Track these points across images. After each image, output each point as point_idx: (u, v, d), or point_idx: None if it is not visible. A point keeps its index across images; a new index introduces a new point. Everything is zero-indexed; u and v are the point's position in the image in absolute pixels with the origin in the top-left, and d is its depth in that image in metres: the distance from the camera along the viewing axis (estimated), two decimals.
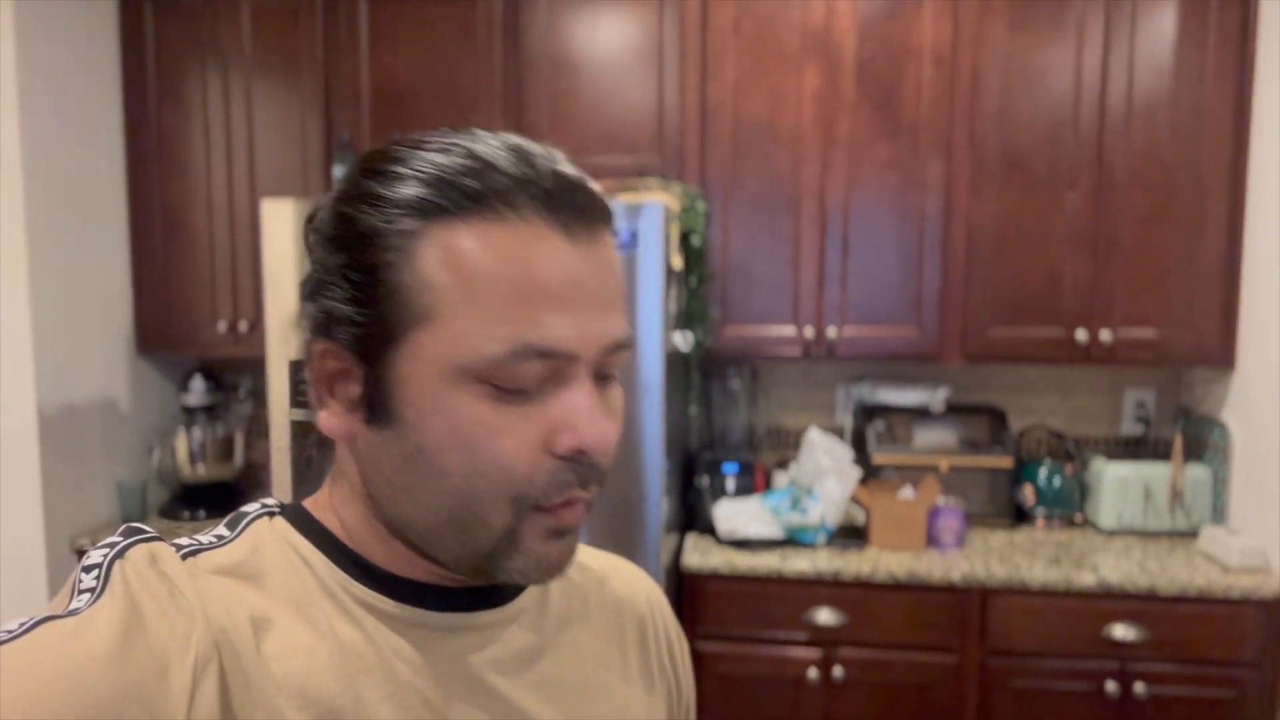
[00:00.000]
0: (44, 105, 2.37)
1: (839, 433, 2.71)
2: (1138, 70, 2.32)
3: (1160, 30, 2.30)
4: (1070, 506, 2.53)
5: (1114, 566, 2.19)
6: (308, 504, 0.61)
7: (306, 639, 0.53)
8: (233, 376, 2.89)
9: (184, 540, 0.56)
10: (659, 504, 2.11)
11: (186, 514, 2.67)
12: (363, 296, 0.52)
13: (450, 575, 0.57)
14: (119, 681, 0.45)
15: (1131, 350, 2.37)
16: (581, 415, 0.52)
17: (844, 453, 2.38)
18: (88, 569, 0.51)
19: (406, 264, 0.51)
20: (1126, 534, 2.45)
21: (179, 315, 2.66)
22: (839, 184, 2.43)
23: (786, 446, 2.77)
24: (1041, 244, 2.39)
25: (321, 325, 0.54)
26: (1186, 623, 2.13)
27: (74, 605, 0.49)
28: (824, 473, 2.34)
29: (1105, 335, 2.36)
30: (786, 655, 2.24)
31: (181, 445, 2.68)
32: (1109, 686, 2.14)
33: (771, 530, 2.30)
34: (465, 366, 0.50)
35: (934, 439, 2.57)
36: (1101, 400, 2.70)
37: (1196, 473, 2.42)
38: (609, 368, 0.55)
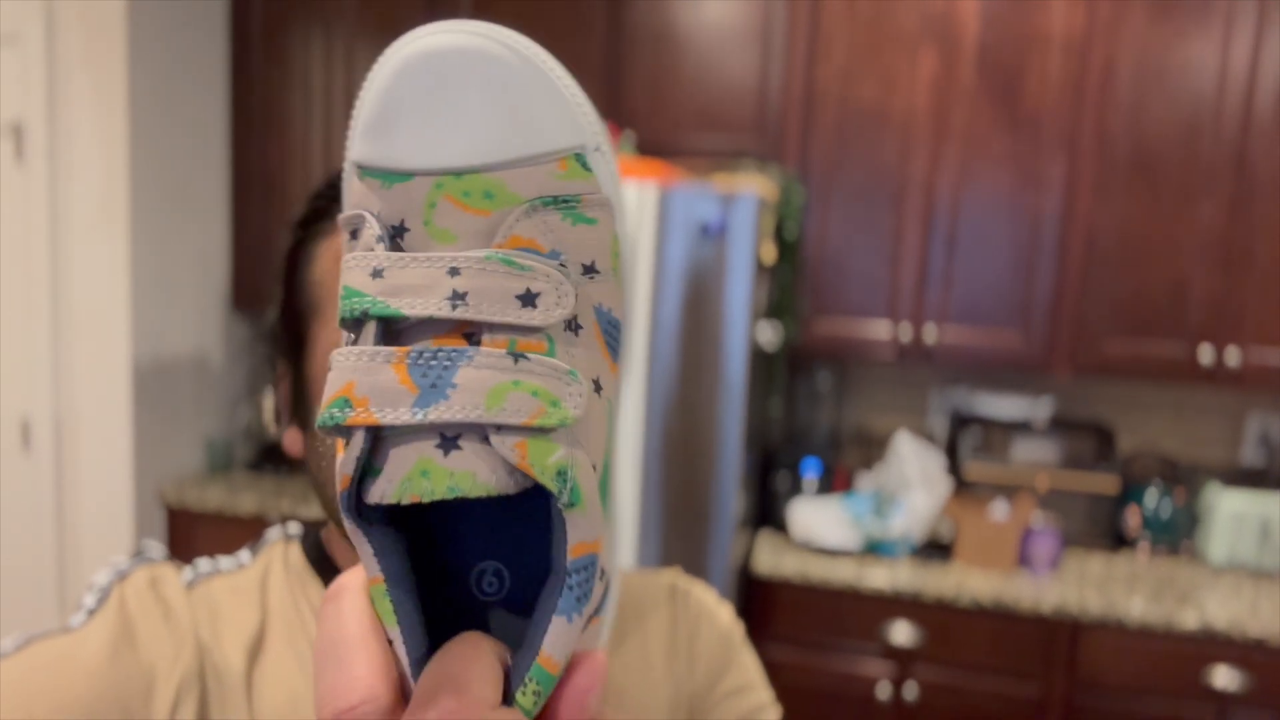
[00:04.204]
0: (152, 63, 2.41)
1: (930, 438, 2.59)
2: None
3: None
4: (1177, 536, 2.36)
5: (1221, 606, 2.03)
6: (325, 531, 0.61)
7: (294, 673, 0.53)
8: None
9: (205, 565, 0.58)
10: (733, 500, 2.04)
11: (269, 468, 2.72)
12: (284, 304, 0.56)
13: None
14: (103, 690, 0.46)
15: (1260, 374, 2.18)
16: None
17: (935, 463, 2.26)
18: (91, 588, 0.53)
19: (308, 265, 0.55)
20: (1238, 571, 2.27)
21: (274, 276, 2.69)
22: (949, 177, 2.29)
23: (872, 448, 2.65)
24: (1168, 253, 2.21)
25: (276, 346, 0.58)
26: None
27: (71, 622, 0.51)
28: (911, 484, 2.22)
29: (1232, 356, 2.18)
30: (857, 670, 2.15)
31: (268, 404, 2.72)
32: None
33: (850, 540, 2.20)
34: None
35: (1033, 454, 2.42)
36: (1221, 424, 2.50)
37: None
38: None
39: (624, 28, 2.40)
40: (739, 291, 1.98)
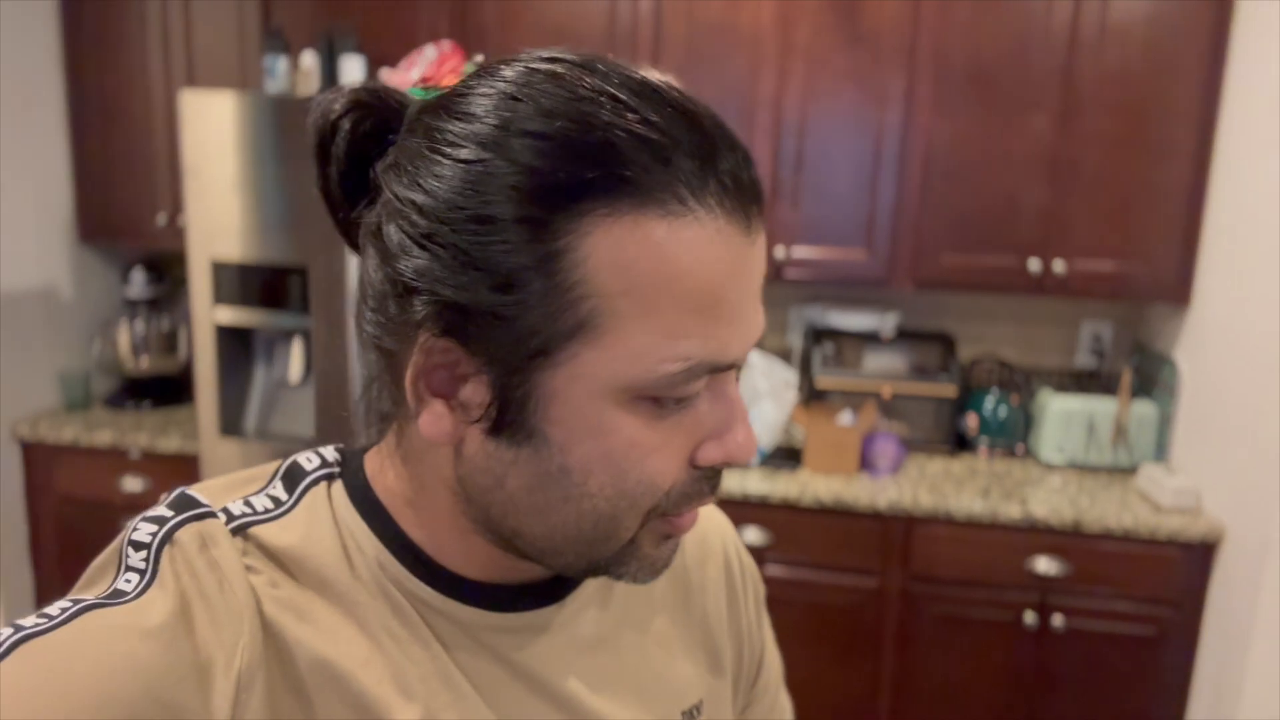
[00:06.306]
0: None
1: (788, 355, 2.67)
2: None
3: None
4: (1013, 437, 2.50)
5: (1043, 500, 2.17)
6: (370, 471, 0.55)
7: (362, 644, 0.50)
8: (179, 270, 2.85)
9: (236, 508, 0.52)
10: None
11: (131, 404, 2.68)
12: (505, 298, 0.43)
13: (515, 571, 0.54)
14: (152, 690, 0.42)
15: (1085, 282, 2.30)
16: (734, 426, 0.49)
17: (782, 375, 2.34)
18: (136, 545, 0.47)
19: (567, 263, 0.43)
20: (1066, 468, 2.43)
21: (119, 206, 2.61)
22: (796, 95, 2.33)
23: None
24: (1001, 167, 2.30)
25: (437, 318, 0.45)
26: (1110, 560, 2.12)
27: (119, 585, 0.46)
28: (760, 396, 2.30)
29: (1059, 266, 2.29)
30: None
31: (123, 337, 2.67)
32: (1027, 617, 2.15)
33: None
34: (633, 385, 0.45)
35: (883, 365, 2.53)
36: (1057, 331, 2.64)
37: (1144, 410, 2.38)
38: (741, 362, 0.51)
39: None
40: None
